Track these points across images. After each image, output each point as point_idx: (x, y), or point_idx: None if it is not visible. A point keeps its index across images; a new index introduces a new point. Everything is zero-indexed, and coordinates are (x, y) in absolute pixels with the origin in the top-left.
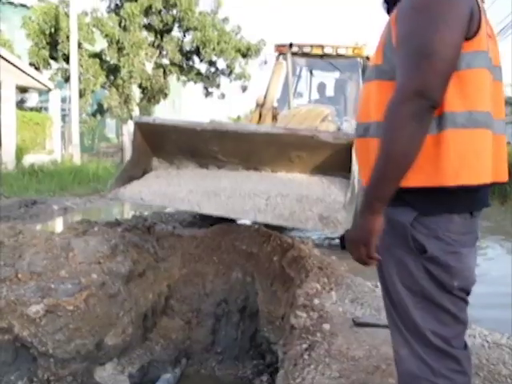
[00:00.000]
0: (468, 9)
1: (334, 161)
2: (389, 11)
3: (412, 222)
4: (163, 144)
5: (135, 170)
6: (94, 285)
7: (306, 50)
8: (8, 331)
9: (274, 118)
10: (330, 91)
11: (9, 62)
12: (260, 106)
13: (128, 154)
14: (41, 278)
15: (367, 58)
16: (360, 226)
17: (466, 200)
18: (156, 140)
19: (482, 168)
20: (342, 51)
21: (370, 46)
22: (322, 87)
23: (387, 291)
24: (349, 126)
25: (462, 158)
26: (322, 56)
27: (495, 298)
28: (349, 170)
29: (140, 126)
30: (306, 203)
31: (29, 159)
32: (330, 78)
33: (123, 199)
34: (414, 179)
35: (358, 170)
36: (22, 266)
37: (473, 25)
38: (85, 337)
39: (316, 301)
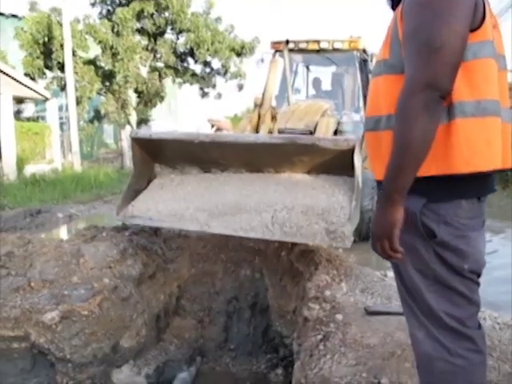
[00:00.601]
0: (473, 0)
1: (336, 165)
2: (393, 7)
3: (421, 209)
4: (163, 152)
5: (140, 183)
6: (106, 289)
7: (302, 45)
8: (25, 339)
9: (273, 117)
10: (327, 85)
11: (5, 73)
12: (258, 106)
13: (128, 158)
14: (53, 285)
15: (363, 51)
16: (381, 219)
17: (475, 186)
18: (155, 150)
19: (493, 155)
20: (338, 45)
21: (365, 39)
22: (317, 82)
23: (401, 277)
24: (348, 119)
25: (472, 145)
26: (319, 51)
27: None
28: (352, 174)
29: (137, 141)
30: (312, 216)
31: (30, 169)
32: (326, 73)
33: (133, 221)
34: (425, 168)
35: (370, 163)
36: (34, 275)
37: (477, 16)
38: (101, 340)
39: (327, 292)
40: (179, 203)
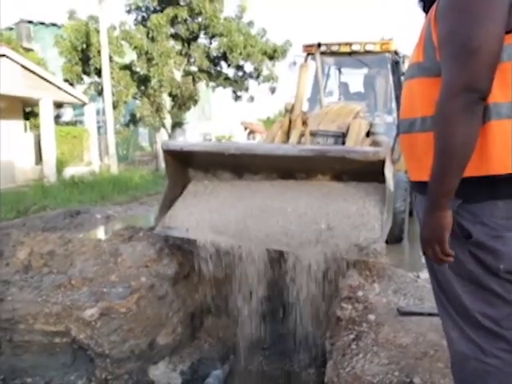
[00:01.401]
0: (507, 2)
1: (366, 172)
2: (425, 9)
3: (457, 210)
4: (195, 160)
5: (175, 192)
6: (143, 287)
7: (334, 48)
8: (66, 334)
9: (304, 122)
10: (359, 88)
11: (45, 79)
12: (289, 111)
13: (162, 161)
14: (93, 283)
15: (395, 53)
16: (430, 224)
17: (510, 186)
18: (187, 158)
19: None
20: (369, 47)
21: (397, 41)
22: (344, 87)
23: (436, 278)
24: (380, 120)
25: (508, 147)
26: (350, 53)
27: None
28: (382, 180)
29: (169, 152)
30: (344, 232)
31: (69, 171)
32: (358, 76)
33: (170, 233)
34: None
35: (405, 165)
36: (74, 273)
37: None
38: (138, 337)
39: (360, 293)
40: (213, 215)
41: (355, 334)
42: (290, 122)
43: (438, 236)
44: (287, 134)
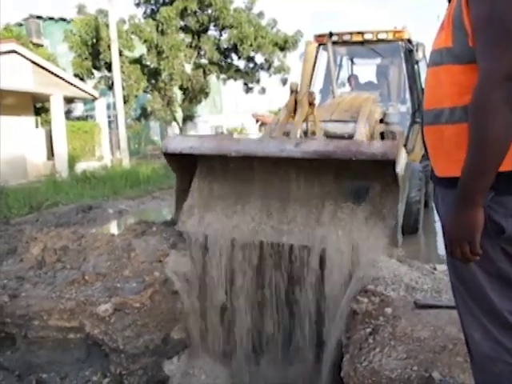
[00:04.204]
0: None
1: (376, 170)
2: None
3: (489, 203)
4: (197, 158)
5: (185, 185)
6: (157, 282)
7: (346, 37)
8: (80, 330)
9: (311, 104)
10: (372, 77)
11: (56, 75)
12: (294, 91)
13: None
14: (106, 278)
15: (408, 41)
16: (461, 222)
17: None
18: (188, 157)
19: None
20: (382, 36)
21: (410, 29)
22: (353, 79)
23: (460, 276)
24: (394, 110)
25: None
26: (363, 43)
27: None
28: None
29: (168, 155)
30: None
31: (80, 166)
32: (370, 66)
33: (190, 230)
34: None
35: (431, 159)
36: (88, 268)
37: None
38: (152, 332)
39: (376, 286)
40: (226, 210)
41: (372, 327)
42: (296, 102)
43: (469, 235)
44: (293, 115)
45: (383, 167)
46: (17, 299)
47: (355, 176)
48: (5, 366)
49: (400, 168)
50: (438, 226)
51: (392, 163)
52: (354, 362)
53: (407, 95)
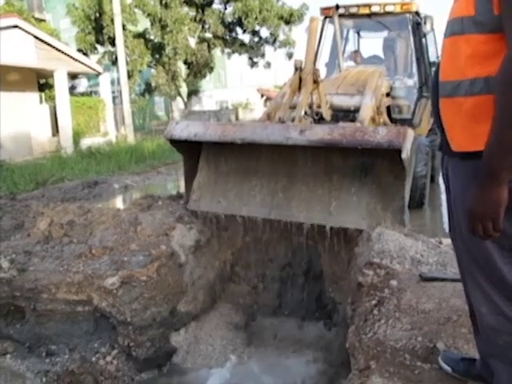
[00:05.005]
0: None
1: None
2: None
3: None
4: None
5: (191, 162)
6: (163, 255)
7: (353, 10)
8: (88, 303)
9: (315, 81)
10: (378, 51)
11: (60, 50)
12: (299, 69)
13: None
14: (113, 252)
15: (416, 13)
16: (485, 199)
17: None
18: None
19: None
20: (389, 8)
21: (418, 1)
22: (357, 54)
23: (470, 247)
24: (401, 84)
25: None
26: (370, 15)
27: None
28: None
29: (172, 141)
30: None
31: (85, 142)
32: (376, 39)
33: (203, 209)
34: None
35: (447, 132)
36: (95, 242)
37: None
38: (159, 305)
39: (381, 259)
40: (236, 187)
41: (377, 299)
42: (301, 80)
43: (493, 212)
44: (297, 93)
45: (389, 152)
46: (25, 273)
47: (361, 153)
48: (15, 338)
49: (406, 154)
50: (444, 200)
51: (398, 151)
52: (359, 333)
53: (414, 69)
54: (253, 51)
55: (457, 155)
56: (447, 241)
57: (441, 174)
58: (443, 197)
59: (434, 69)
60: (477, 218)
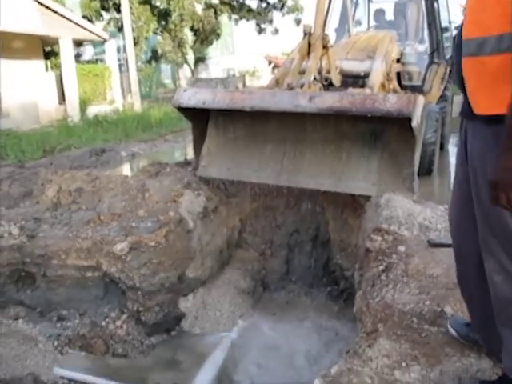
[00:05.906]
0: None
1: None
2: None
3: None
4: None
5: (200, 130)
6: (172, 222)
7: None
8: (97, 269)
9: (325, 47)
10: (389, 16)
11: (64, 17)
12: (308, 34)
13: None
14: (121, 218)
15: None
16: (507, 165)
17: None
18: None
19: None
20: None
21: None
22: (380, 14)
23: (489, 216)
24: (412, 49)
25: None
26: None
27: None
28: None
29: (179, 108)
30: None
31: (92, 110)
32: (388, 3)
33: (212, 175)
34: None
35: (470, 94)
36: (103, 209)
37: None
38: (167, 270)
39: (389, 225)
40: (244, 154)
41: (385, 265)
42: (310, 45)
43: None
44: (306, 58)
45: (399, 119)
46: (35, 239)
47: (371, 119)
48: (27, 303)
49: (416, 122)
50: (453, 167)
51: (408, 120)
52: (366, 297)
53: (425, 34)
54: (260, 17)
55: (478, 118)
56: None
57: (456, 142)
58: (453, 164)
59: (446, 34)
60: (499, 187)
